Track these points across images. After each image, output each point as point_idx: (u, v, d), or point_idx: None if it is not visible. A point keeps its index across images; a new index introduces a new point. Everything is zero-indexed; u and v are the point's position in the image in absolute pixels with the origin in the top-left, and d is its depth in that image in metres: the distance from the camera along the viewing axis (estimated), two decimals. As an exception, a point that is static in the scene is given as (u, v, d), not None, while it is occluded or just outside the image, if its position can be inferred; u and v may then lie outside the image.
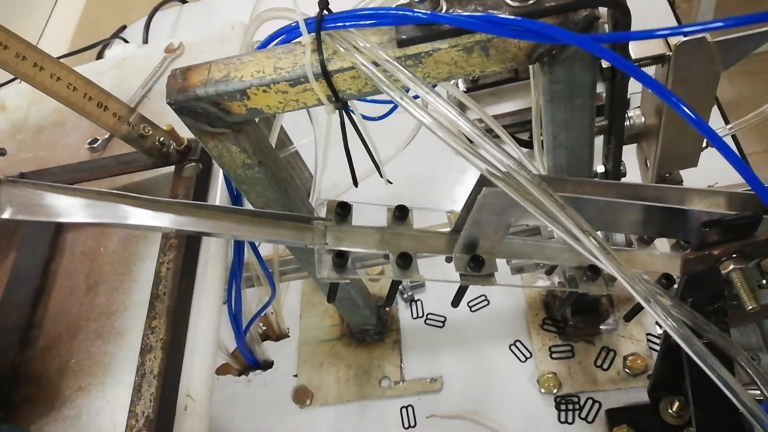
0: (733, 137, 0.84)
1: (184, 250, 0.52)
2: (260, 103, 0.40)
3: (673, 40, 0.43)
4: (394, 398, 0.77)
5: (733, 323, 0.49)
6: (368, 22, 0.37)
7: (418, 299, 0.84)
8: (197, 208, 0.43)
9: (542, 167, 0.52)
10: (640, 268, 0.48)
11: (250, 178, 0.47)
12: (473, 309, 0.81)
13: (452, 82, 0.73)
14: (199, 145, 0.58)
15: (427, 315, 0.82)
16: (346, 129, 0.45)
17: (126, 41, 1.28)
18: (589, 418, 0.70)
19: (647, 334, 0.73)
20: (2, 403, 0.50)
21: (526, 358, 0.76)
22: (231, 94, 0.39)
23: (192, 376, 0.48)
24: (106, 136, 0.65)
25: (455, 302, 0.48)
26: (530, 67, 0.47)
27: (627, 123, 0.53)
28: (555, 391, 0.72)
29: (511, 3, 0.35)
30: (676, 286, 0.46)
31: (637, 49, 0.46)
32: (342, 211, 0.45)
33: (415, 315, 0.83)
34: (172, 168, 0.59)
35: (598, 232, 0.51)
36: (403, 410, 0.76)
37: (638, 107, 0.54)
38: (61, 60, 0.49)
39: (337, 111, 0.41)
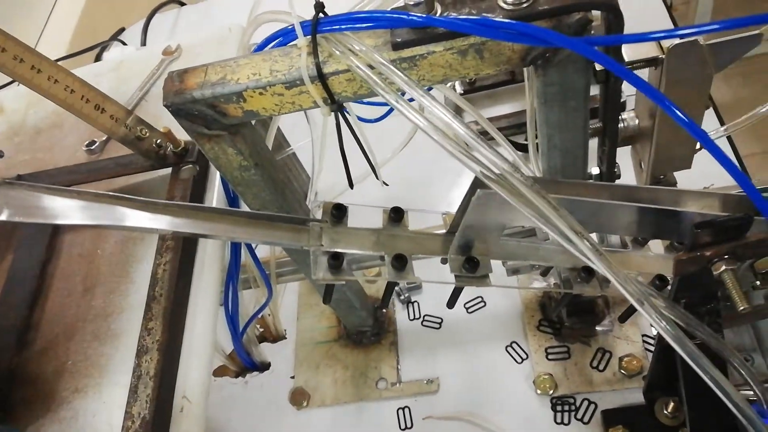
0: (729, 139, 0.85)
1: (181, 252, 0.53)
2: (256, 106, 0.40)
3: (666, 43, 0.43)
4: (390, 399, 0.77)
5: (727, 324, 0.49)
6: (364, 25, 0.37)
7: (415, 301, 0.84)
8: (194, 210, 0.43)
9: (537, 169, 0.52)
10: (634, 269, 0.48)
11: (247, 180, 0.47)
12: (470, 310, 0.81)
13: (449, 84, 0.73)
14: (195, 147, 0.59)
15: (423, 316, 0.83)
16: (343, 131, 0.45)
17: (124, 43, 1.29)
18: (585, 419, 0.70)
19: (643, 335, 0.74)
20: (-1, 405, 0.50)
21: (523, 360, 0.76)
22: (227, 96, 0.40)
23: (188, 377, 0.49)
24: (104, 139, 0.65)
25: (450, 303, 0.49)
26: (525, 69, 0.48)
27: (621, 125, 0.53)
28: (551, 392, 0.72)
29: (505, 6, 0.36)
30: (669, 287, 0.47)
31: (631, 52, 0.46)
32: (338, 212, 0.45)
33: (411, 316, 0.83)
34: (169, 170, 0.59)
35: (593, 234, 0.51)
36: (400, 411, 0.76)
37: (633, 109, 0.54)
38: (60, 62, 0.50)
39: (332, 113, 0.42)
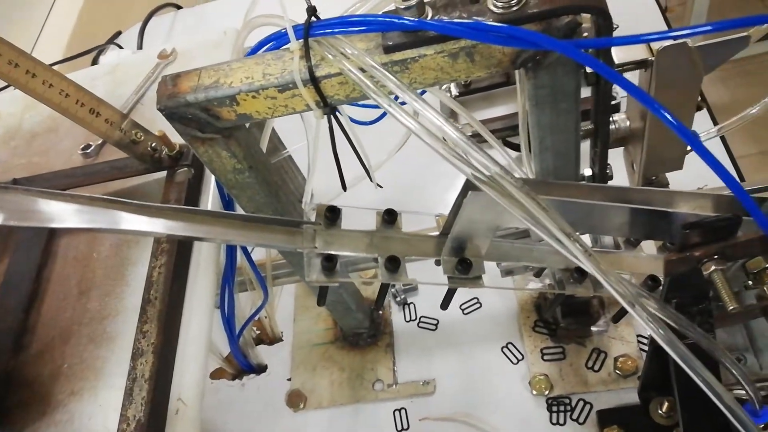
0: (722, 140, 0.85)
1: (176, 255, 0.53)
2: (249, 109, 0.41)
3: (656, 45, 0.43)
4: (387, 401, 0.77)
5: (720, 324, 0.49)
6: (355, 29, 0.38)
7: (411, 302, 0.84)
8: (189, 213, 0.43)
9: (531, 171, 0.52)
10: (626, 269, 0.48)
11: (241, 183, 0.47)
12: (465, 312, 0.82)
13: (444, 87, 0.73)
14: (190, 150, 0.59)
15: (419, 318, 0.83)
16: (336, 134, 0.45)
17: (121, 47, 1.29)
18: (581, 420, 0.70)
19: (637, 336, 0.74)
20: (-5, 408, 0.50)
21: (518, 360, 0.76)
22: (220, 99, 0.40)
23: (183, 380, 0.49)
24: (99, 142, 0.66)
25: (444, 305, 0.49)
26: (516, 72, 0.48)
27: (612, 127, 0.53)
28: (546, 392, 0.72)
29: (495, 9, 0.36)
30: (661, 287, 0.47)
31: (621, 54, 0.46)
32: (331, 215, 0.46)
33: (407, 318, 0.83)
34: (164, 173, 0.59)
35: (586, 235, 0.51)
36: (396, 413, 0.76)
37: (624, 111, 0.55)
38: (56, 66, 0.50)
39: (325, 116, 0.42)
